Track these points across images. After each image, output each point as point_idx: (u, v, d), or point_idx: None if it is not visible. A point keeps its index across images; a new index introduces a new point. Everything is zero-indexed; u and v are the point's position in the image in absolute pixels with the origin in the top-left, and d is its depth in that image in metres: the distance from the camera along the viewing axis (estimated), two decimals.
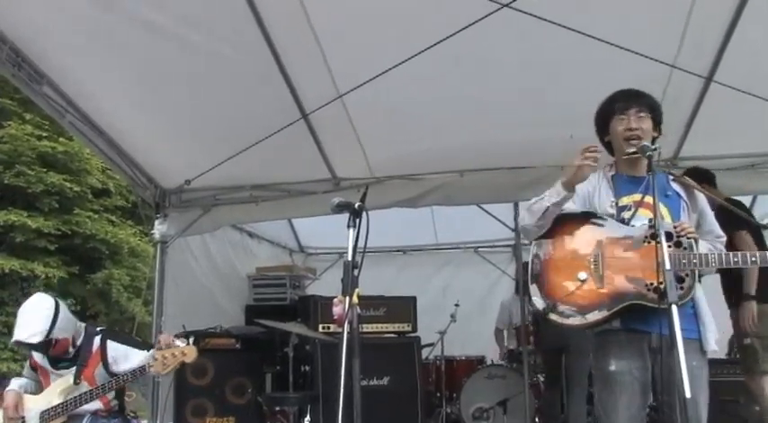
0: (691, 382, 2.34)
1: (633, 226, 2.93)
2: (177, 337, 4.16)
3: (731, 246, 3.81)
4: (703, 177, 4.38)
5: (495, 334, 7.28)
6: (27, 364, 4.23)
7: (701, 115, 4.68)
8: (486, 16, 3.63)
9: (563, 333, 5.58)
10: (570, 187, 2.94)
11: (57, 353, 3.98)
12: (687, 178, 3.15)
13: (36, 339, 3.84)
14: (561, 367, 5.83)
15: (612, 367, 2.95)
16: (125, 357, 4.06)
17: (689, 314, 2.84)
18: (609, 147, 3.16)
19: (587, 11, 3.71)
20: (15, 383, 4.15)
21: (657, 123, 3.09)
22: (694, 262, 2.78)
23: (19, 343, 3.91)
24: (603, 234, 2.95)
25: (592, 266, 2.93)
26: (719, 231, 3.11)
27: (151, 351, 4.01)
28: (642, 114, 3.02)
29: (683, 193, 3.07)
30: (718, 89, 4.28)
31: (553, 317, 2.95)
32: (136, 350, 4.09)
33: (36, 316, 3.90)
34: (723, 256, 2.83)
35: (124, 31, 4.03)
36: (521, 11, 3.54)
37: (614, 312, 2.86)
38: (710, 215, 3.11)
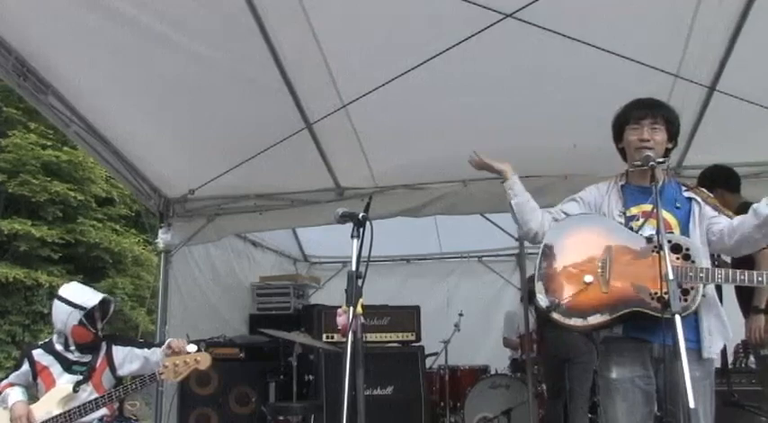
0: (693, 393, 2.33)
1: (642, 235, 2.93)
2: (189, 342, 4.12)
3: (752, 261, 3.80)
4: (721, 178, 4.34)
5: (506, 343, 7.20)
6: (21, 371, 4.12)
7: (704, 124, 4.67)
8: (489, 26, 3.64)
9: (567, 343, 5.59)
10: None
11: (84, 340, 4.06)
12: (701, 190, 3.11)
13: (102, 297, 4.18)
14: (564, 377, 5.82)
15: (614, 375, 2.96)
16: (130, 360, 4.13)
17: (690, 326, 2.84)
18: (623, 154, 3.15)
19: (590, 21, 3.72)
20: (17, 395, 4.04)
21: (673, 135, 3.07)
22: (700, 276, 2.78)
23: (105, 300, 4.15)
24: (614, 239, 2.95)
25: (599, 270, 2.93)
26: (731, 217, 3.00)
27: (153, 349, 4.10)
28: (656, 126, 3.00)
29: (696, 204, 3.03)
30: (721, 98, 4.28)
31: (556, 316, 2.96)
32: (137, 350, 4.16)
33: (86, 287, 4.29)
34: (730, 273, 2.81)
35: (129, 42, 4.05)
36: (524, 21, 3.55)
37: (615, 317, 2.86)
38: (718, 215, 3.01)
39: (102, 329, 4.16)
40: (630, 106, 3.10)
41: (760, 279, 2.81)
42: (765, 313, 4.29)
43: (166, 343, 4.09)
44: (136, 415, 4.38)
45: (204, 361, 3.87)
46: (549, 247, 3.09)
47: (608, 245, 2.95)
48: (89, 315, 4.06)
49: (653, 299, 2.78)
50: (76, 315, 4.02)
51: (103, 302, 4.16)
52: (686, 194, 3.06)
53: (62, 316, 4.05)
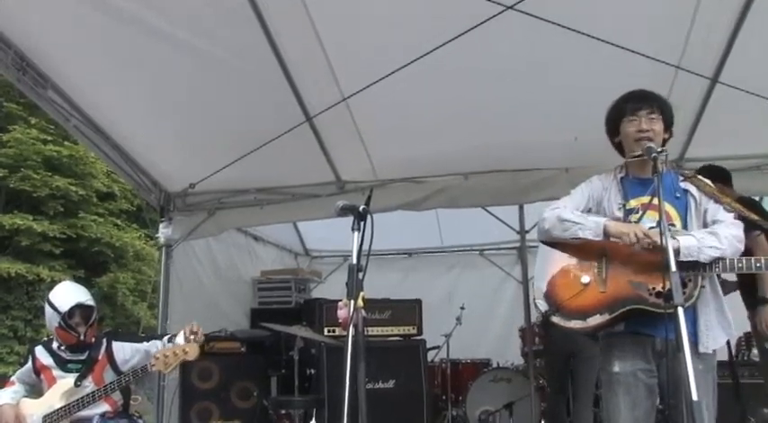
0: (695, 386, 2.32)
1: None
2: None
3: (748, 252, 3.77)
4: (718, 176, 4.32)
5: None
6: (26, 367, 4.17)
7: (706, 116, 4.65)
8: (489, 18, 3.62)
9: (572, 337, 5.56)
10: (609, 237, 2.89)
11: (68, 342, 4.02)
12: (699, 178, 3.07)
13: (92, 302, 4.10)
14: (568, 372, 5.80)
15: (616, 369, 2.96)
16: (132, 355, 4.11)
17: (689, 320, 2.82)
18: (620, 148, 3.13)
19: (592, 12, 3.70)
20: (5, 396, 4.08)
21: (668, 125, 3.05)
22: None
23: (80, 305, 4.03)
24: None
25: (596, 270, 2.92)
26: (725, 217, 2.94)
27: (153, 341, 4.11)
28: (653, 116, 2.99)
29: (694, 191, 3.01)
30: (723, 90, 4.26)
31: (556, 319, 2.96)
32: (137, 344, 4.15)
33: (82, 288, 4.19)
34: (728, 262, 2.80)
35: (129, 37, 4.04)
36: (525, 12, 3.53)
37: (615, 317, 2.85)
38: (714, 208, 2.97)
39: (87, 333, 4.05)
40: (624, 99, 3.09)
41: (758, 265, 2.79)
42: None
43: (168, 337, 4.08)
44: (138, 411, 4.37)
45: (192, 352, 3.86)
46: (546, 249, 3.08)
47: (604, 243, 2.94)
48: (66, 319, 4.01)
49: (651, 294, 2.77)
50: (56, 318, 4.01)
51: (82, 307, 4.05)
52: (683, 185, 3.04)
53: (47, 316, 4.09)
